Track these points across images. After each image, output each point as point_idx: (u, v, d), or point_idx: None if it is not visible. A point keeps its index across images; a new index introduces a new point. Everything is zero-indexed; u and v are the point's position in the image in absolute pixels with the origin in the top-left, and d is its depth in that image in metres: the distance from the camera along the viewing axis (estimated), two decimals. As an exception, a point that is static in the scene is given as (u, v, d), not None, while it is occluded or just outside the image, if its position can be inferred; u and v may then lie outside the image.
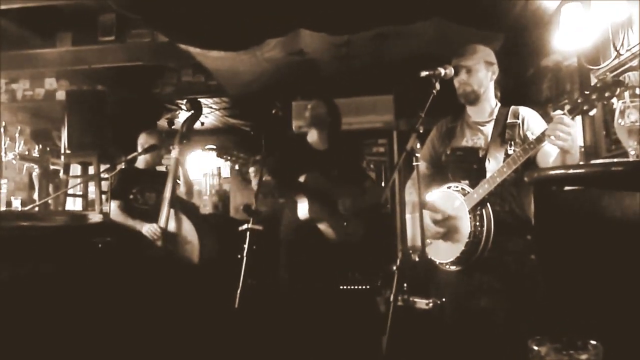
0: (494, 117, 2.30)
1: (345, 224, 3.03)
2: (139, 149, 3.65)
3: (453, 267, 2.19)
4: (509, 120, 2.24)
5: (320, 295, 2.91)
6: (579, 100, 1.77)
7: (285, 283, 2.98)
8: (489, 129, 2.29)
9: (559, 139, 1.81)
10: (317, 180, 3.00)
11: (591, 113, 1.78)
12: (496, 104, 2.35)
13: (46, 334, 2.58)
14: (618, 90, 1.66)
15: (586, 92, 1.75)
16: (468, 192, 2.15)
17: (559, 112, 1.82)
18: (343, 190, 3.08)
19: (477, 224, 2.09)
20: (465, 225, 2.10)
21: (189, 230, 3.27)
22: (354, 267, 3.39)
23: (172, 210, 3.22)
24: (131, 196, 3.53)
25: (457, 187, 2.22)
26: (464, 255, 2.10)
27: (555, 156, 1.98)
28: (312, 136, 3.21)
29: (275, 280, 3.01)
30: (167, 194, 3.19)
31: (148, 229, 3.25)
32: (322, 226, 2.96)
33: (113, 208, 3.46)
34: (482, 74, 2.28)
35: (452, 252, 2.15)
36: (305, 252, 2.96)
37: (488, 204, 2.10)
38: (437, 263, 2.23)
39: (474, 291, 2.14)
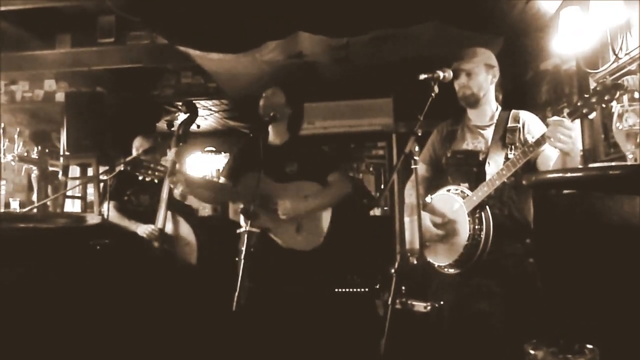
0: (495, 120, 2.31)
1: (294, 228, 2.67)
2: (134, 152, 3.67)
3: (451, 270, 2.18)
4: (509, 124, 2.25)
5: (291, 302, 2.61)
6: (579, 104, 1.77)
7: (244, 291, 2.56)
8: (489, 132, 2.30)
9: (559, 142, 1.81)
10: (254, 181, 2.55)
11: (591, 116, 1.78)
12: (497, 108, 2.35)
13: (43, 335, 2.57)
14: (618, 93, 1.66)
15: (586, 96, 1.76)
16: (467, 195, 2.15)
17: (555, 118, 1.82)
18: (289, 191, 2.71)
19: (476, 227, 2.09)
20: (464, 228, 2.10)
21: (186, 232, 3.27)
22: (318, 275, 2.81)
23: (169, 213, 3.22)
24: (125, 198, 3.55)
25: (456, 189, 2.22)
26: (463, 258, 2.10)
27: (556, 159, 1.98)
28: (270, 132, 2.87)
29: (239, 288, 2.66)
30: (164, 195, 3.18)
31: (144, 230, 3.25)
32: (270, 234, 2.66)
33: (110, 209, 3.47)
34: (482, 77, 2.28)
35: (450, 255, 2.14)
36: (262, 260, 2.59)
37: (487, 207, 2.11)
38: (436, 266, 2.23)
39: (472, 294, 2.14)
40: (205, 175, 7.44)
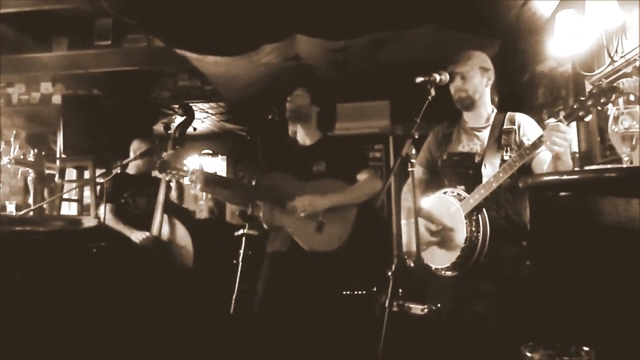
0: (490, 122, 2.32)
1: (314, 228, 2.58)
2: (131, 155, 3.67)
3: (449, 273, 2.19)
4: (505, 126, 2.25)
5: (302, 307, 2.56)
6: (574, 107, 1.79)
7: (261, 295, 2.60)
8: (485, 134, 2.30)
9: (555, 145, 1.83)
10: (278, 181, 2.57)
11: (587, 119, 1.79)
12: (492, 110, 2.36)
13: (40, 336, 2.57)
14: (613, 96, 1.67)
15: (582, 99, 1.77)
16: (464, 198, 2.15)
17: (552, 120, 1.83)
18: (312, 189, 2.63)
19: (473, 229, 2.09)
20: (461, 231, 2.11)
21: (182, 235, 3.26)
22: (339, 279, 2.78)
23: (165, 216, 3.22)
24: (122, 201, 3.54)
25: (452, 192, 2.22)
26: (460, 261, 2.10)
27: (548, 163, 1.99)
28: (298, 132, 2.85)
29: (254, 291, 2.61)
30: (160, 198, 3.18)
31: (138, 237, 3.24)
32: (294, 236, 2.59)
33: (106, 212, 3.47)
34: (476, 80, 2.30)
35: (448, 257, 2.14)
36: (286, 263, 2.60)
37: (484, 210, 2.11)
38: (433, 269, 2.23)
39: (469, 297, 2.14)
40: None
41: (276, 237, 2.68)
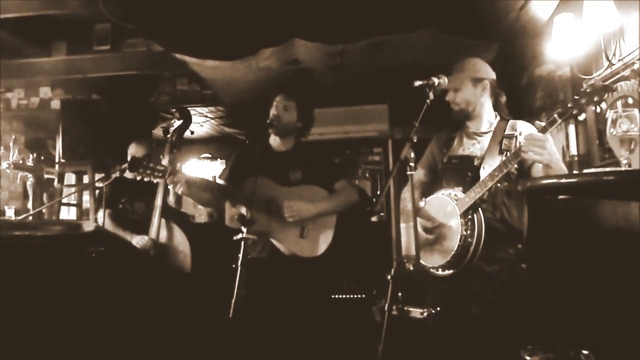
0: (493, 128, 2.34)
1: (298, 233, 2.62)
2: (129, 159, 3.66)
3: (442, 272, 2.19)
4: (506, 132, 2.27)
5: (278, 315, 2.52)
6: (569, 105, 1.82)
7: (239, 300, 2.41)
8: (486, 139, 2.33)
9: (534, 154, 1.87)
10: (260, 185, 2.49)
11: (580, 117, 1.82)
12: (495, 117, 2.38)
13: (39, 342, 2.56)
14: (606, 95, 1.70)
15: (576, 97, 1.81)
16: (460, 198, 2.17)
17: (528, 132, 1.87)
18: (295, 194, 2.66)
19: (468, 228, 2.10)
20: (456, 230, 2.12)
21: (180, 239, 3.26)
22: (317, 286, 2.73)
23: (163, 220, 3.21)
24: (120, 206, 3.53)
25: (450, 193, 2.24)
26: (454, 260, 2.11)
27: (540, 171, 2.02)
28: (274, 139, 2.84)
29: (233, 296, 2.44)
30: (158, 203, 3.17)
31: (138, 241, 3.23)
32: (273, 239, 2.62)
33: (105, 217, 3.46)
34: (468, 93, 2.32)
35: (442, 256, 2.16)
36: (264, 268, 2.57)
37: (480, 210, 2.12)
38: (428, 267, 2.23)
39: (465, 300, 2.15)
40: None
41: (255, 243, 2.63)
